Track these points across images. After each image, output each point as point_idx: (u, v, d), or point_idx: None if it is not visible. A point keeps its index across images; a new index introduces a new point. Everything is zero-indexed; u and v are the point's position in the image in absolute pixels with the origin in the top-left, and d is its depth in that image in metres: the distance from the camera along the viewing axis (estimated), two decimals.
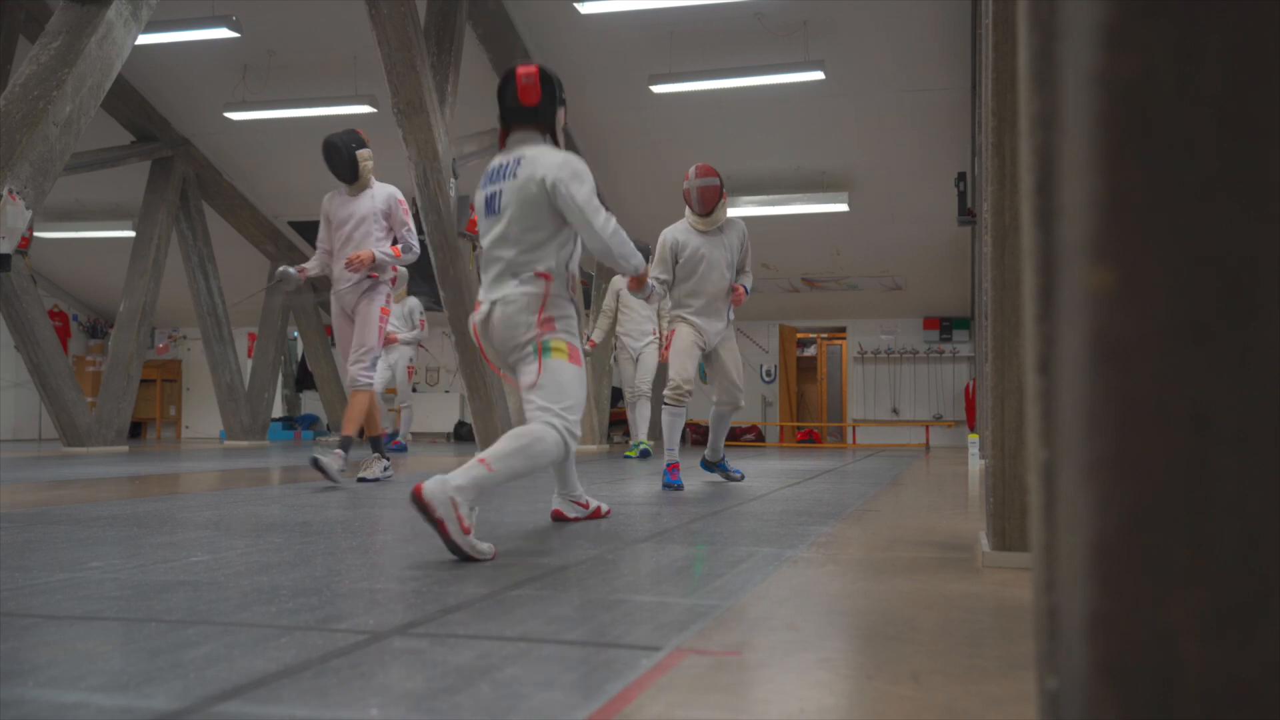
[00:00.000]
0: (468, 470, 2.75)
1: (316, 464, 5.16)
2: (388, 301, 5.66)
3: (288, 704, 1.36)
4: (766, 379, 14.85)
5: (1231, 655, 0.51)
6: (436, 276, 8.90)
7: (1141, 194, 0.53)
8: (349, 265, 5.43)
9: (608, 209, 3.41)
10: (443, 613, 2.00)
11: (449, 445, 13.43)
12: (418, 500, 2.62)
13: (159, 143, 11.89)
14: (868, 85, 10.22)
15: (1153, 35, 0.53)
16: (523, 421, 3.18)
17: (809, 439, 14.68)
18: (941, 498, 5.04)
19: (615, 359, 9.33)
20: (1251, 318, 0.51)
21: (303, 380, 15.72)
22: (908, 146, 10.88)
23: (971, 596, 2.26)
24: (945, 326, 14.16)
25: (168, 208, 11.71)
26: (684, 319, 5.40)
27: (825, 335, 17.07)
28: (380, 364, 10.19)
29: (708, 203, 5.34)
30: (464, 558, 2.67)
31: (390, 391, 10.59)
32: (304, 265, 5.68)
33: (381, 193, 5.65)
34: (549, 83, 3.34)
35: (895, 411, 14.43)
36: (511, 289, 3.22)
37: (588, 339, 8.81)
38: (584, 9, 8.72)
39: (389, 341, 10.14)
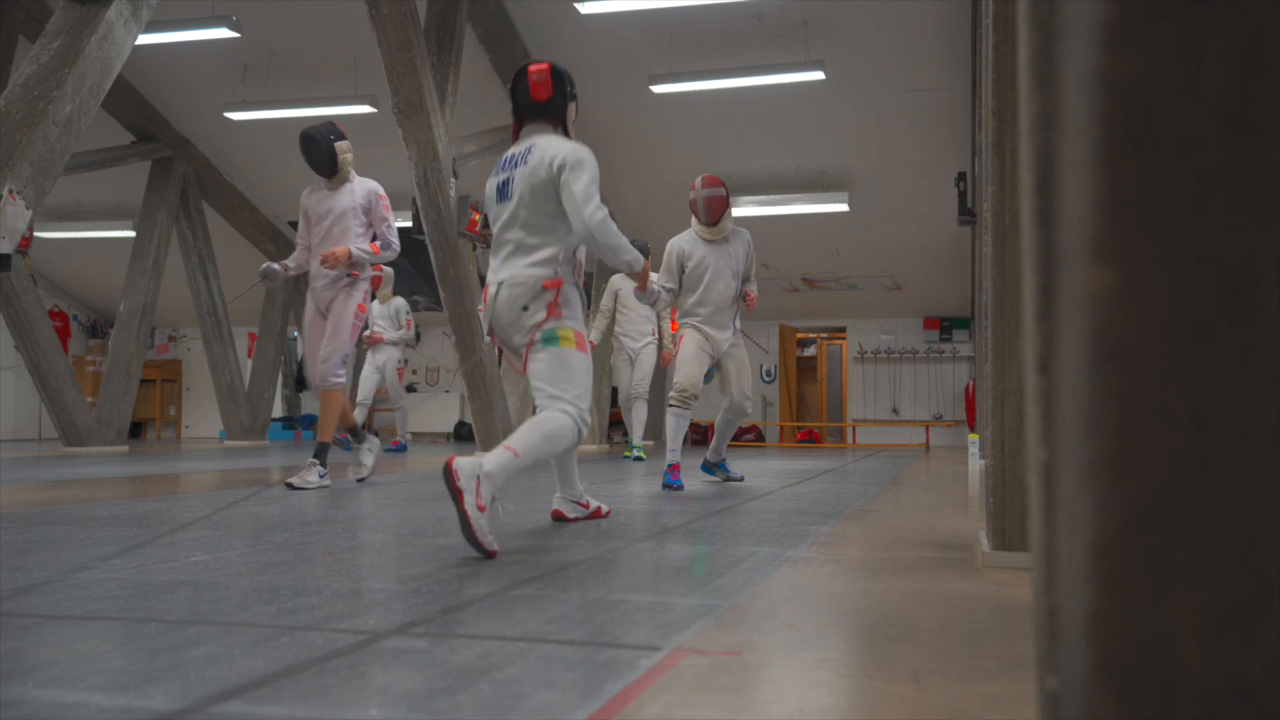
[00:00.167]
0: (497, 456, 2.90)
1: (293, 487, 5.13)
2: (365, 299, 5.47)
3: (288, 704, 1.36)
4: (766, 379, 14.85)
5: (1231, 655, 0.51)
6: (436, 276, 8.89)
7: (1141, 194, 0.53)
8: (324, 262, 5.27)
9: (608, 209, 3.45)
10: (442, 613, 2.00)
11: (449, 445, 13.43)
12: (447, 470, 2.75)
13: (159, 143, 11.89)
14: (868, 85, 10.21)
15: (1153, 35, 0.53)
16: (523, 422, 3.22)
17: (809, 439, 14.67)
18: (941, 498, 5.04)
19: (613, 360, 9.31)
20: (1251, 318, 0.51)
21: (303, 380, 15.71)
22: (908, 146, 10.87)
23: (971, 596, 2.26)
24: (945, 326, 14.16)
25: (168, 208, 11.71)
26: (693, 326, 5.51)
27: (825, 335, 17.07)
28: (367, 367, 10.17)
29: (714, 213, 5.46)
30: (470, 538, 2.70)
31: (382, 393, 10.53)
32: (285, 262, 5.50)
33: (362, 187, 5.42)
34: (560, 79, 3.47)
35: (895, 411, 14.42)
36: (519, 269, 3.33)
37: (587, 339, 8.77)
38: (584, 9, 8.72)
39: (375, 341, 10.05)
